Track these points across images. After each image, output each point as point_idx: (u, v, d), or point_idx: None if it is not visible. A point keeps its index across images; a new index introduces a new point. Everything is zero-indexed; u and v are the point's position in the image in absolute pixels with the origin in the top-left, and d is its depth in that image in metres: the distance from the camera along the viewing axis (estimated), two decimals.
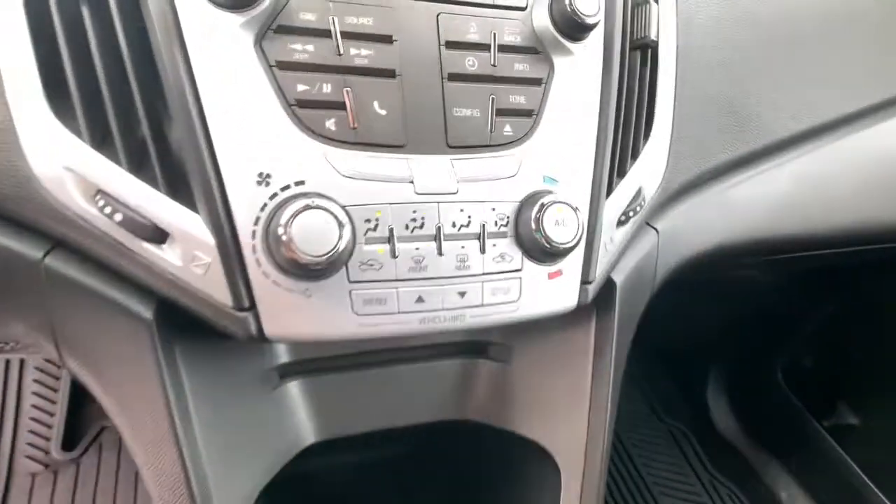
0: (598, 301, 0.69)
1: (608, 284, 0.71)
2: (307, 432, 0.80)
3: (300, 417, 0.80)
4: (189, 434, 0.60)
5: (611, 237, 0.68)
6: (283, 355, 0.77)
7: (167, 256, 0.53)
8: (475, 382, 0.86)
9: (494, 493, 0.95)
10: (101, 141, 0.52)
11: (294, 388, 0.79)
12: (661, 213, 0.79)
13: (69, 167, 0.51)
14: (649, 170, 0.74)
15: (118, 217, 0.51)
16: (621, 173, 0.71)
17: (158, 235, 0.52)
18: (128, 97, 0.51)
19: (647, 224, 0.78)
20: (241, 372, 0.72)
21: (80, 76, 0.51)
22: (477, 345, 0.85)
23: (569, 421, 0.78)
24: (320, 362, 0.79)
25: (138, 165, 0.52)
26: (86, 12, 0.50)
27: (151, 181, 0.52)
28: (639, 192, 0.72)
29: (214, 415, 0.65)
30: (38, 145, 0.51)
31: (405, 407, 0.85)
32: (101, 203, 0.51)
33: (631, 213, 0.70)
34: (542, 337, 0.80)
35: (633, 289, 0.76)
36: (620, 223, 0.70)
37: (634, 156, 0.73)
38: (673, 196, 0.79)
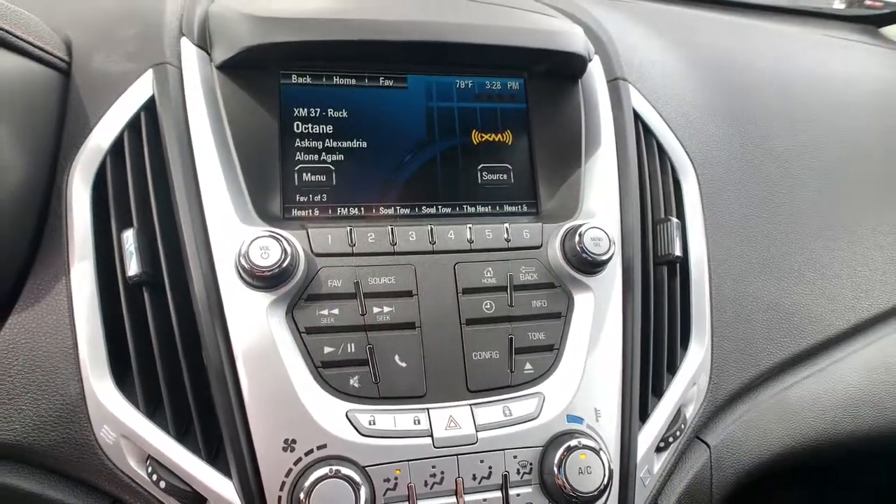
0: None
1: None
2: None
3: None
4: None
5: (647, 469, 0.65)
6: None
7: None
8: None
9: None
10: (153, 411, 0.59)
11: None
12: (712, 425, 0.75)
13: (125, 435, 0.58)
14: (691, 385, 0.71)
15: (163, 484, 0.56)
16: (658, 392, 0.69)
17: (198, 500, 0.57)
18: (177, 372, 0.59)
19: (698, 438, 0.74)
20: None
21: (141, 356, 0.59)
22: None
23: None
24: None
25: (183, 433, 0.58)
26: (148, 307, 0.59)
27: (194, 448, 0.57)
28: (678, 413, 0.69)
29: None
30: (102, 416, 0.58)
31: None
32: (150, 469, 0.57)
33: (671, 439, 0.67)
34: None
35: None
36: (660, 450, 0.67)
37: (672, 370, 0.71)
38: (722, 406, 0.75)
